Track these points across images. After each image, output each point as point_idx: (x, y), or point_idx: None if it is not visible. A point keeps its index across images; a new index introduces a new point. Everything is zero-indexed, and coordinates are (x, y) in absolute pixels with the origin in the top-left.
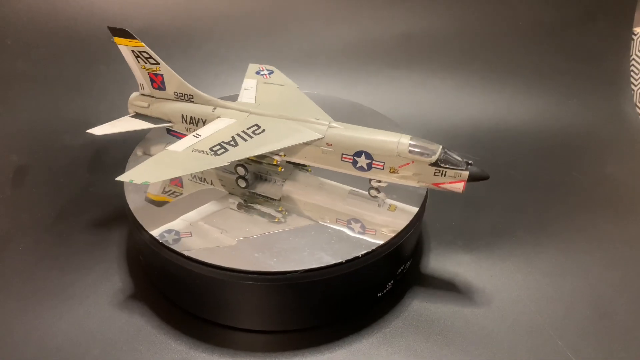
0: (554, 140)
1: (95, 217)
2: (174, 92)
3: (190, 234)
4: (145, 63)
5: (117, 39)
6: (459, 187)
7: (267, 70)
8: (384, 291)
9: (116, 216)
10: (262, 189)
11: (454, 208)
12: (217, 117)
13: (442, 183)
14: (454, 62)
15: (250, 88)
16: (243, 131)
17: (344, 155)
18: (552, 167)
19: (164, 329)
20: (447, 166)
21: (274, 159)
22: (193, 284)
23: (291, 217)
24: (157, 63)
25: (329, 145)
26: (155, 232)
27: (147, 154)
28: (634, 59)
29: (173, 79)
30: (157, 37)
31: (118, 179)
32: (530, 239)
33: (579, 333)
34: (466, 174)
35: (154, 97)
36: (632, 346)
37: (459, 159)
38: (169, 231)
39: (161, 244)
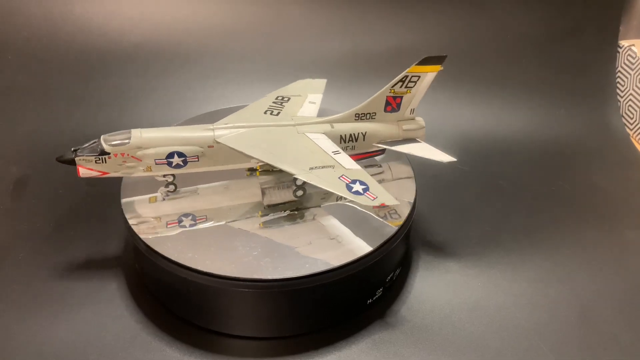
0: (541, 150)
1: (92, 226)
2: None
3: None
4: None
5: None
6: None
7: None
8: (374, 298)
9: (113, 226)
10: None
11: (443, 216)
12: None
13: None
14: (444, 74)
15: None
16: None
17: None
18: (539, 176)
19: (159, 335)
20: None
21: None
22: (187, 291)
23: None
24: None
25: None
26: (150, 241)
27: None
28: (619, 71)
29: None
30: (154, 51)
31: None
32: (516, 247)
33: (563, 338)
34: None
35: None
36: (614, 351)
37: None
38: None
39: (156, 252)
